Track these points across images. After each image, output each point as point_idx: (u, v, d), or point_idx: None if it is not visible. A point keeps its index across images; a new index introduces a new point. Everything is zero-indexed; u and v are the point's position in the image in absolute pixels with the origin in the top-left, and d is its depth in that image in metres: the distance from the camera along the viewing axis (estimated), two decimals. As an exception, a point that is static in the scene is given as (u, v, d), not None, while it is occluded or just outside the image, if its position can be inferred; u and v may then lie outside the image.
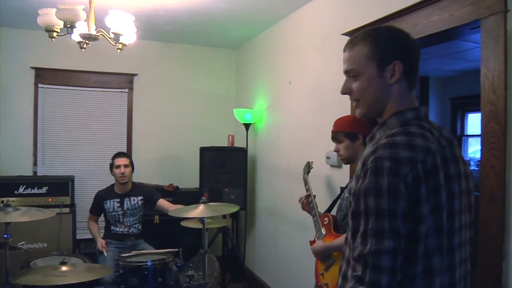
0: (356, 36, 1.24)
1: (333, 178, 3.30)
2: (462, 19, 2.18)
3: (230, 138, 5.09)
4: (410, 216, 1.00)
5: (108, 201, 3.82)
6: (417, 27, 2.49)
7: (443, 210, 1.05)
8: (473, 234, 1.21)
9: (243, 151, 4.72)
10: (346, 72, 1.25)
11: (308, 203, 2.67)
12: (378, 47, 1.17)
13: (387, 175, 1.00)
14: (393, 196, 0.99)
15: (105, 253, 3.54)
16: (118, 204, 3.83)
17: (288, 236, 4.04)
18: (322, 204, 2.83)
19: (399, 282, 1.01)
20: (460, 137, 6.65)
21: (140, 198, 3.91)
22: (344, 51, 1.28)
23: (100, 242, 3.64)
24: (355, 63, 1.21)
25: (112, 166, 3.87)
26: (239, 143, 5.02)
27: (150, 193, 4.01)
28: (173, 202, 4.25)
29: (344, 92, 1.26)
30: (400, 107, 1.17)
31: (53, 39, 2.93)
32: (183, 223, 3.42)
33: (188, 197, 4.58)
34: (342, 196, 2.42)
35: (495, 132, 1.98)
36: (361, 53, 1.19)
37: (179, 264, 3.21)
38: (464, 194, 1.15)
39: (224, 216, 4.55)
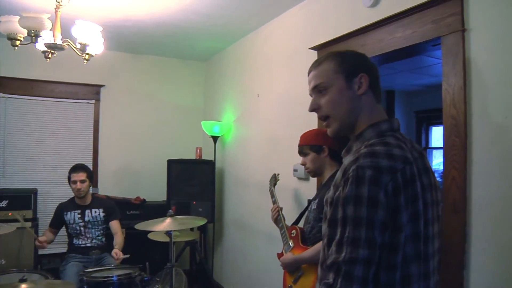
0: (321, 57, 1.31)
1: (300, 191, 3.32)
2: (424, 36, 2.26)
3: (198, 150, 5.06)
4: (389, 226, 1.01)
5: (69, 212, 3.73)
6: (382, 42, 2.56)
7: (420, 219, 1.06)
8: (441, 244, 1.23)
9: (211, 164, 4.70)
10: (314, 87, 1.28)
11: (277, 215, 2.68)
12: (344, 61, 1.23)
13: (368, 184, 1.00)
14: (372, 205, 0.99)
15: (40, 245, 3.45)
16: (79, 216, 3.73)
17: (256, 249, 4.03)
18: (289, 216, 2.84)
19: None
20: (425, 150, 6.84)
21: (101, 210, 3.83)
22: (310, 72, 1.33)
23: (41, 238, 3.50)
24: (323, 77, 1.25)
25: (69, 179, 3.78)
26: (207, 155, 5.00)
27: (111, 208, 3.92)
28: (140, 215, 4.17)
29: (312, 108, 1.28)
30: (373, 119, 1.19)
31: (16, 48, 2.85)
32: (150, 236, 3.36)
33: (155, 210, 4.51)
34: (309, 208, 2.44)
35: (456, 145, 2.05)
36: (329, 68, 1.25)
37: (145, 278, 3.14)
38: (434, 204, 1.17)
39: (191, 229, 4.50)
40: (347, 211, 1.01)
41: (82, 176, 3.75)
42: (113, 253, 3.55)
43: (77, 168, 3.82)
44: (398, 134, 1.17)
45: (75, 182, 3.71)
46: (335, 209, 1.05)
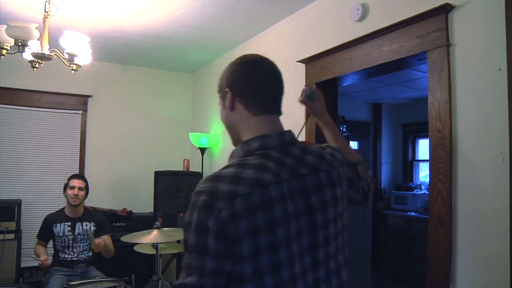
0: None
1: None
2: (410, 51, 2.30)
3: (186, 162, 5.04)
4: (226, 255, 0.93)
5: (58, 224, 3.64)
6: (369, 56, 2.59)
7: (280, 247, 0.96)
8: (342, 265, 1.14)
9: (198, 176, 4.67)
10: None
11: None
12: (219, 80, 1.20)
13: (199, 210, 0.95)
14: (200, 232, 0.94)
15: (42, 261, 3.36)
16: (69, 228, 3.65)
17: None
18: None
19: None
20: (412, 162, 6.91)
21: (93, 224, 3.76)
22: None
23: (43, 257, 3.43)
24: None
25: (66, 186, 3.72)
26: (195, 167, 4.97)
27: (103, 223, 3.85)
28: (126, 227, 4.10)
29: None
30: (246, 134, 1.12)
31: (2, 57, 2.83)
32: (136, 249, 3.32)
33: (141, 222, 4.46)
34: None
35: (441, 158, 2.08)
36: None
37: (131, 291, 3.10)
38: (331, 222, 1.09)
39: (178, 242, 4.45)
40: (185, 236, 0.98)
41: (82, 184, 3.72)
42: (95, 240, 3.49)
43: (79, 176, 3.85)
44: (274, 151, 1.06)
45: (73, 187, 3.66)
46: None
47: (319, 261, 1.05)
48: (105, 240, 3.64)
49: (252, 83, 1.14)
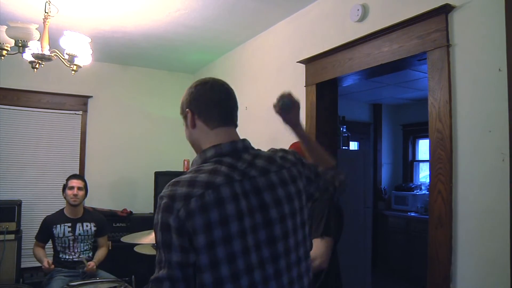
0: None
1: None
2: (410, 51, 2.30)
3: (186, 163, 5.04)
4: (188, 248, 1.07)
5: (58, 225, 3.63)
6: (369, 56, 2.59)
7: (233, 240, 1.09)
8: (303, 251, 1.25)
9: (199, 176, 4.66)
10: None
11: None
12: (180, 104, 1.37)
13: (162, 211, 1.10)
14: (165, 230, 1.09)
15: (48, 266, 3.35)
16: (70, 229, 3.64)
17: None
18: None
19: None
20: (412, 162, 6.90)
21: (93, 224, 3.76)
22: None
23: (46, 261, 3.42)
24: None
25: (65, 187, 3.71)
26: (195, 167, 4.96)
27: (102, 223, 3.85)
28: (127, 228, 4.09)
29: None
30: (205, 145, 1.27)
31: (3, 58, 2.83)
32: (136, 249, 3.31)
33: (142, 223, 4.47)
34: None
35: (441, 158, 2.08)
36: None
37: (131, 292, 3.10)
38: (288, 217, 1.21)
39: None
40: (156, 235, 1.13)
41: (81, 183, 3.72)
42: (88, 263, 3.49)
43: (77, 175, 3.84)
44: (228, 158, 1.21)
45: (72, 188, 3.65)
46: None
47: (279, 253, 1.16)
48: (98, 256, 3.66)
49: (207, 100, 1.30)
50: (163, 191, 1.15)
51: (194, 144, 1.34)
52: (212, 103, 1.30)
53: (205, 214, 1.07)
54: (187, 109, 1.31)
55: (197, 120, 1.29)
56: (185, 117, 1.34)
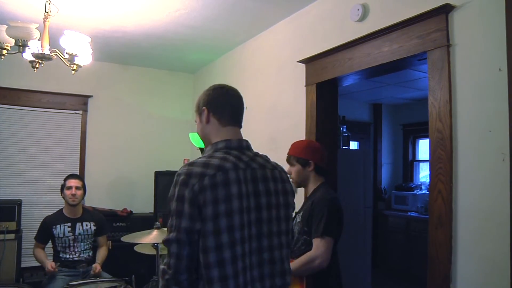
0: None
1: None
2: (410, 51, 2.30)
3: (186, 162, 5.02)
4: (197, 216, 1.30)
5: (58, 225, 3.63)
6: (369, 56, 2.59)
7: (234, 214, 1.33)
8: (285, 240, 1.49)
9: (199, 175, 4.66)
10: None
11: None
12: (196, 102, 1.61)
13: (179, 185, 1.33)
14: (180, 201, 1.32)
15: (52, 269, 3.35)
16: (69, 229, 3.64)
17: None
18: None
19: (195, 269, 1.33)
20: (412, 162, 6.90)
21: (93, 224, 3.76)
22: None
23: (49, 264, 3.42)
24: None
25: (63, 187, 3.72)
26: (195, 167, 4.95)
27: (102, 222, 3.86)
28: (127, 227, 4.08)
29: None
30: (215, 139, 1.52)
31: (3, 57, 2.83)
32: (136, 249, 3.31)
33: (142, 222, 4.46)
34: (294, 221, 2.43)
35: (441, 158, 2.08)
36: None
37: (131, 292, 3.09)
38: (273, 207, 1.45)
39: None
40: (171, 206, 1.36)
41: (78, 183, 3.72)
42: (93, 266, 3.50)
43: (74, 175, 3.84)
44: (234, 151, 1.47)
45: (70, 188, 3.66)
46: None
47: (262, 233, 1.41)
48: (101, 257, 3.69)
49: (222, 102, 1.56)
50: (180, 169, 1.39)
51: (205, 138, 1.58)
52: (226, 105, 1.56)
53: (215, 191, 1.31)
54: (203, 107, 1.55)
55: (212, 117, 1.54)
56: (200, 114, 1.57)
